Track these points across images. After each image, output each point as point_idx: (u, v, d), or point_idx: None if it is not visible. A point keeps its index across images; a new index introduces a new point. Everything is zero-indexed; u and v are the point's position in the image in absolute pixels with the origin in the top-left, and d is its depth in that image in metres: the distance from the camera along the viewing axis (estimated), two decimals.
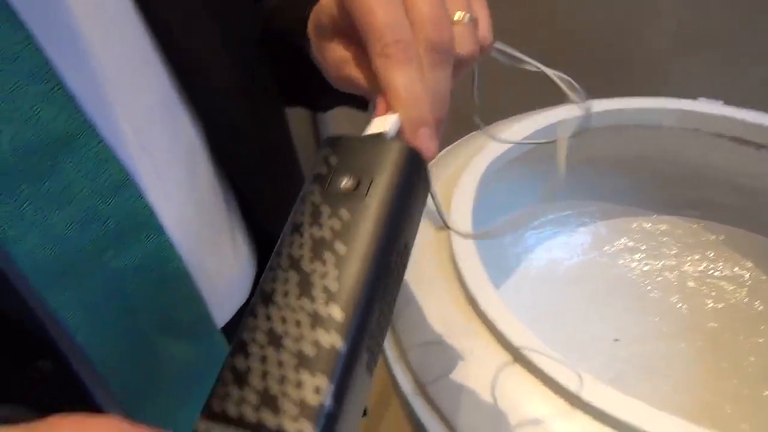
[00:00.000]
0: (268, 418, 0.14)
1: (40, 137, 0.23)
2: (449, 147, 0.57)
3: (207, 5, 0.29)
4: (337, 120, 1.08)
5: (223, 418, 0.15)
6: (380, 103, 0.22)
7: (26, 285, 0.24)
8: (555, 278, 0.60)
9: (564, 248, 0.61)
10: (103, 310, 0.26)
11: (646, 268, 0.60)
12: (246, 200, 0.34)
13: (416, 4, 0.22)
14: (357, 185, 0.18)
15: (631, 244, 0.61)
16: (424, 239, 0.44)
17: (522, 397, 0.34)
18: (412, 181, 0.19)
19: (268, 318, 0.16)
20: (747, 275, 0.57)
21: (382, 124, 0.20)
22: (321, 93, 0.37)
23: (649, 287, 0.59)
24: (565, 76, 0.27)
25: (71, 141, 0.23)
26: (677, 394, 0.52)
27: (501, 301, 0.37)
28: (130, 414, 0.29)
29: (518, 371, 0.35)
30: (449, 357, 0.36)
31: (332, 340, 0.15)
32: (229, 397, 0.15)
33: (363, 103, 0.37)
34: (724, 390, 0.52)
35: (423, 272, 0.42)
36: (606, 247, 0.61)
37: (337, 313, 0.16)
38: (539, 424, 0.33)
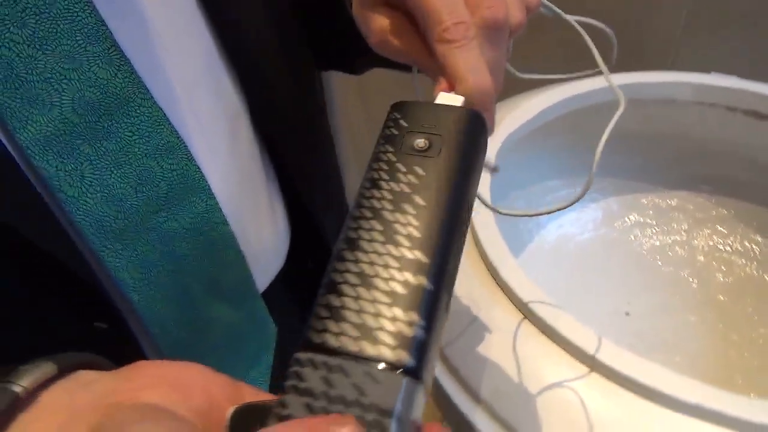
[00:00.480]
0: (368, 348, 0.16)
1: (98, 97, 0.23)
2: None
3: None
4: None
5: (324, 349, 0.16)
6: (442, 82, 0.23)
7: (86, 245, 0.24)
8: (566, 253, 0.60)
9: (575, 224, 0.62)
10: (156, 270, 0.27)
11: (656, 244, 0.60)
12: (284, 169, 0.34)
13: None
14: (429, 146, 0.19)
15: (642, 219, 0.61)
16: None
17: (540, 359, 0.35)
18: (478, 144, 0.20)
19: (357, 261, 0.17)
20: (757, 249, 0.57)
21: (449, 98, 0.22)
22: (358, 54, 0.37)
23: (659, 262, 0.60)
24: (603, 26, 0.27)
25: (127, 102, 0.24)
26: (687, 366, 0.52)
27: (519, 269, 0.38)
28: None
29: (535, 333, 0.35)
30: (468, 321, 0.37)
31: (419, 280, 0.17)
32: (328, 331, 0.16)
33: (399, 65, 0.38)
34: (734, 362, 0.53)
35: None
36: (617, 223, 0.61)
37: (422, 257, 0.17)
38: (558, 386, 0.33)
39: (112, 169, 0.24)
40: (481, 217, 0.42)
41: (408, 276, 0.17)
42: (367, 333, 0.16)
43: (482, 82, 0.21)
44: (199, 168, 0.27)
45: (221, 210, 0.28)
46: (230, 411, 0.18)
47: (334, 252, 0.18)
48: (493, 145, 0.47)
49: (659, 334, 0.55)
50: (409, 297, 0.16)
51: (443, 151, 0.19)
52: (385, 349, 0.16)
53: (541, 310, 0.36)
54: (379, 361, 0.15)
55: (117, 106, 0.23)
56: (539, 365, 0.35)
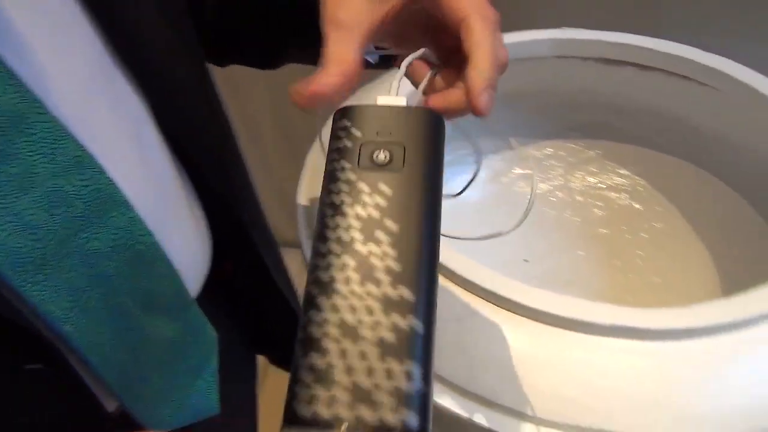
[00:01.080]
0: (367, 414, 0.14)
1: None
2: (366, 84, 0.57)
3: None
4: None
5: (314, 422, 0.14)
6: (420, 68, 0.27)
7: (3, 282, 0.22)
8: (462, 214, 0.63)
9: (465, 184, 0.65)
10: (86, 296, 0.25)
11: (539, 192, 0.65)
12: (195, 168, 0.33)
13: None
14: (390, 158, 0.17)
15: (523, 171, 0.66)
16: None
17: (459, 307, 0.37)
18: (441, 146, 0.19)
19: (335, 309, 0.15)
20: (625, 182, 0.63)
21: (393, 99, 0.20)
22: (285, 46, 0.37)
23: (544, 207, 0.64)
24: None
25: (21, 120, 0.21)
26: (584, 296, 0.57)
27: None
28: (126, 400, 0.28)
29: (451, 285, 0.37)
30: None
31: (409, 322, 0.15)
32: (317, 399, 0.14)
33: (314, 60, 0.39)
34: (621, 284, 0.58)
35: None
36: (502, 178, 0.65)
37: (407, 293, 0.15)
38: (482, 330, 0.36)
39: (18, 194, 0.22)
40: None
41: (396, 318, 0.15)
42: (363, 396, 0.14)
43: (496, 63, 0.26)
44: (112, 181, 0.25)
45: (143, 221, 0.27)
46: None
47: (305, 298, 0.16)
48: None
49: (556, 273, 0.60)
50: (401, 344, 0.15)
51: (407, 162, 0.17)
52: (387, 413, 0.14)
53: (452, 263, 0.38)
54: (382, 428, 0.14)
55: (11, 125, 0.21)
56: (458, 311, 0.37)
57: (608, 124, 0.62)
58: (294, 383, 0.15)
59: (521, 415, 0.34)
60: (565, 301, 0.35)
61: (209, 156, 0.34)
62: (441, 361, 0.36)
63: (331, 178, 0.17)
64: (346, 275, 0.16)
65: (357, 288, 0.15)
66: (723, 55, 0.53)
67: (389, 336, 0.15)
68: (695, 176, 0.58)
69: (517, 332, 0.36)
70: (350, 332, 0.15)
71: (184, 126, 0.31)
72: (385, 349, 0.14)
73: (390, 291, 0.15)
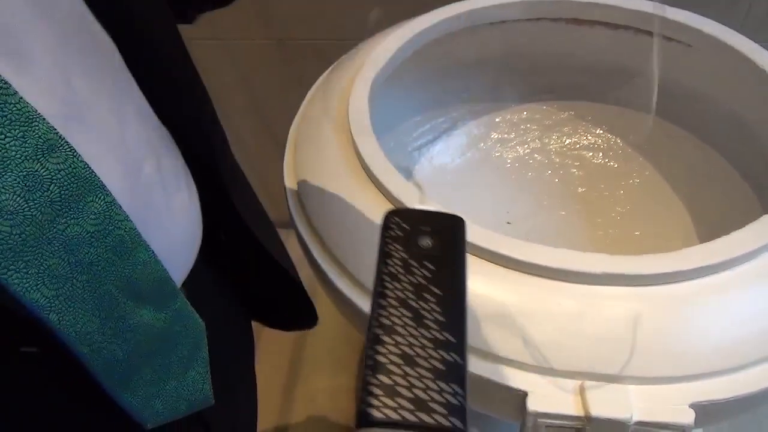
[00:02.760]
0: (426, 417, 0.19)
1: None
2: (333, 66, 0.57)
3: None
4: None
5: (386, 423, 0.19)
6: None
7: None
8: (444, 182, 0.64)
9: (445, 153, 0.66)
10: (70, 284, 0.25)
11: (518, 155, 0.66)
12: (182, 139, 0.33)
13: None
14: (432, 246, 0.24)
15: (500, 135, 0.67)
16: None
17: None
18: (464, 237, 0.25)
19: (397, 344, 0.21)
20: (600, 141, 0.65)
21: (430, 206, 0.26)
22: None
23: (523, 170, 0.66)
24: None
25: None
26: None
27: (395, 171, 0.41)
28: (117, 393, 0.28)
29: None
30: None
31: (453, 357, 0.21)
32: (387, 406, 0.19)
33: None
34: (602, 239, 0.60)
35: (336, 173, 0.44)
36: (481, 144, 0.66)
37: (450, 337, 0.21)
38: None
39: None
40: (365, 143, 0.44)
41: (443, 354, 0.21)
42: (421, 405, 0.19)
43: None
44: (87, 165, 0.25)
45: (121, 206, 0.26)
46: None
47: (369, 336, 0.21)
48: (361, 96, 0.48)
49: (539, 233, 0.61)
50: (448, 372, 0.20)
51: (446, 250, 0.24)
52: (441, 418, 0.19)
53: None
54: (439, 428, 0.19)
55: None
56: None
57: (581, 85, 0.63)
58: (366, 395, 0.20)
59: (518, 364, 0.36)
60: (554, 253, 0.36)
61: (191, 120, 0.33)
62: None
63: (386, 255, 0.24)
64: (404, 321, 0.22)
65: (413, 331, 0.21)
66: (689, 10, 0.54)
67: (439, 365, 0.20)
68: (667, 131, 0.60)
69: (509, 285, 0.37)
70: (410, 361, 0.21)
71: (167, 89, 0.31)
72: (436, 374, 0.20)
73: (438, 335, 0.21)
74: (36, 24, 0.24)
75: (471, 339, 0.36)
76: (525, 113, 0.66)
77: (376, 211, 0.41)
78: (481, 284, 0.37)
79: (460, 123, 0.66)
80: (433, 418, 0.19)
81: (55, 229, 0.24)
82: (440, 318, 0.22)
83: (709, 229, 0.55)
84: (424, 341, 0.21)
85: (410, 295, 0.22)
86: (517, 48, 0.62)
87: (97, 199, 0.25)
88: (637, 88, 0.61)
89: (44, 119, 0.23)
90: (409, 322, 0.22)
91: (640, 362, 0.35)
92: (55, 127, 0.23)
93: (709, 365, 0.35)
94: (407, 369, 0.20)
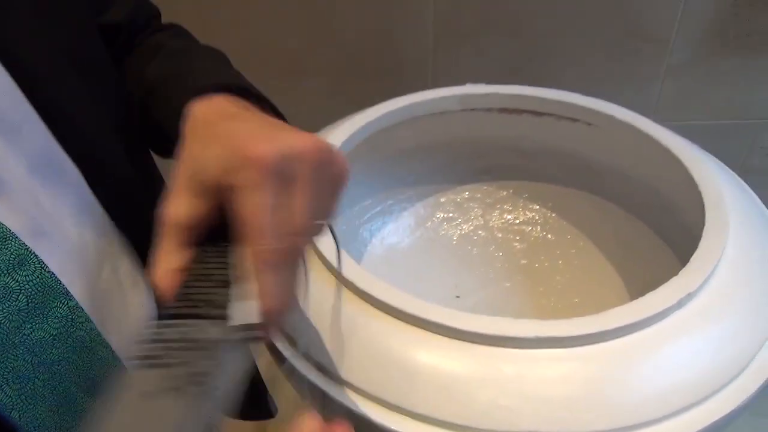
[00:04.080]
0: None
1: None
2: None
3: (72, 61, 0.31)
4: None
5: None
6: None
7: None
8: (395, 260, 0.67)
9: (394, 234, 0.70)
10: (32, 383, 0.26)
11: (463, 232, 0.71)
12: (139, 240, 0.35)
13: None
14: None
15: (446, 215, 0.71)
16: None
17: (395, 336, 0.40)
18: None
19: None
20: (537, 216, 0.70)
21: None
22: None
23: (469, 246, 0.70)
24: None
25: None
26: None
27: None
28: None
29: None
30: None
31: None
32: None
33: None
34: (546, 308, 0.64)
35: None
36: (428, 224, 0.71)
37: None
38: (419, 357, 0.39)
39: None
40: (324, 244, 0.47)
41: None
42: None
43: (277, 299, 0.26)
44: (53, 274, 0.27)
45: (83, 309, 0.28)
46: None
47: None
48: None
49: (487, 304, 0.64)
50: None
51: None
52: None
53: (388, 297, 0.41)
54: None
55: None
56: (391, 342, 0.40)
57: (515, 165, 0.69)
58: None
59: (465, 428, 0.38)
60: (491, 321, 0.39)
61: (150, 228, 0.36)
62: (386, 385, 0.39)
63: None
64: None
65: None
66: (602, 98, 0.61)
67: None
68: (594, 204, 0.66)
69: (454, 354, 0.40)
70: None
71: (125, 204, 0.34)
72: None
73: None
74: (8, 156, 0.27)
75: (419, 406, 0.39)
76: (467, 193, 0.72)
77: (333, 293, 0.44)
78: (428, 354, 0.40)
79: (407, 204, 0.70)
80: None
81: (21, 334, 0.26)
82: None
83: (640, 290, 0.60)
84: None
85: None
86: (456, 134, 0.68)
87: (61, 305, 0.28)
88: (565, 166, 0.67)
89: (16, 237, 0.26)
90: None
91: (577, 418, 0.38)
92: (26, 243, 0.26)
93: (640, 416, 0.38)
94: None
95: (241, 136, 0.26)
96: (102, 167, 0.32)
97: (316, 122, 0.61)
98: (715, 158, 0.56)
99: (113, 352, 0.30)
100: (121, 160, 0.34)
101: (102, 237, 0.32)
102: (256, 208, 0.24)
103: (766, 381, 0.40)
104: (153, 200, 0.38)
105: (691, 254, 0.44)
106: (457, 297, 0.66)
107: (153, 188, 0.38)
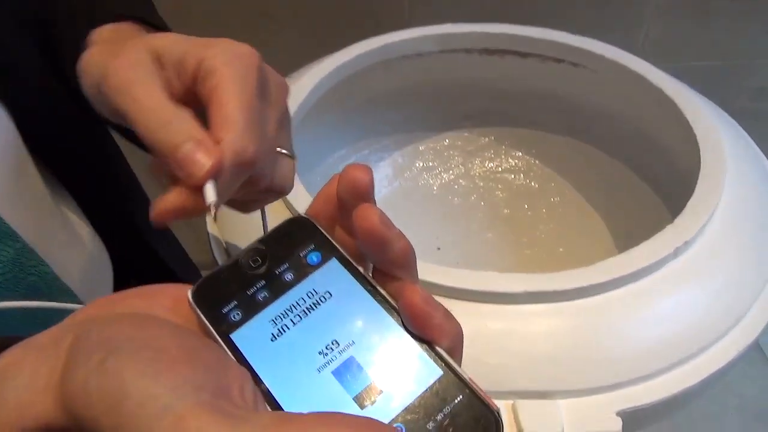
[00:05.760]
0: None
1: None
2: None
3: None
4: None
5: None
6: None
7: None
8: None
9: None
10: None
11: (443, 182, 0.68)
12: (80, 191, 0.32)
13: None
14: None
15: (425, 164, 0.68)
16: None
17: None
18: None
19: None
20: (520, 163, 0.67)
21: None
22: None
23: (449, 196, 0.67)
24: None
25: None
26: None
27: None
28: None
29: None
30: None
31: None
32: None
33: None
34: (529, 259, 0.62)
35: None
36: (406, 173, 0.67)
37: None
38: None
39: None
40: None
41: None
42: None
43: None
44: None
45: (35, 251, 0.26)
46: (190, 292, 0.18)
47: None
48: None
49: (469, 257, 0.62)
50: None
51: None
52: None
53: None
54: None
55: None
56: None
57: (497, 111, 0.65)
58: None
59: None
60: (477, 276, 0.37)
61: (92, 177, 0.33)
62: None
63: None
64: None
65: None
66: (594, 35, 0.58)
67: None
68: (580, 150, 0.63)
69: None
70: None
71: (63, 148, 0.31)
72: None
73: None
74: None
75: None
76: (447, 140, 0.68)
77: None
78: None
79: (385, 154, 0.67)
80: None
81: None
82: None
83: (626, 239, 0.58)
84: None
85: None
86: (434, 79, 0.64)
87: (6, 247, 0.25)
88: (550, 111, 0.64)
89: None
90: None
91: (566, 375, 0.36)
92: None
93: (631, 372, 0.36)
94: None
95: (202, 41, 0.23)
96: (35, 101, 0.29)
97: (285, 67, 0.57)
98: (709, 101, 0.53)
99: (74, 295, 0.28)
100: (54, 101, 0.30)
101: (44, 185, 0.29)
102: (244, 99, 0.22)
103: (763, 329, 0.39)
104: (122, 180, 0.35)
105: (680, 202, 0.42)
106: (438, 249, 0.63)
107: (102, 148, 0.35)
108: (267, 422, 0.13)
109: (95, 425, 0.14)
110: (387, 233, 0.18)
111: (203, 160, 0.21)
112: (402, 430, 0.16)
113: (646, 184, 0.59)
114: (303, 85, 0.52)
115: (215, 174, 0.21)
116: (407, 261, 0.19)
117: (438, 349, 0.18)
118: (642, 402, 0.36)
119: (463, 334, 0.19)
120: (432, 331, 0.18)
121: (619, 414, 0.35)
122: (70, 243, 0.31)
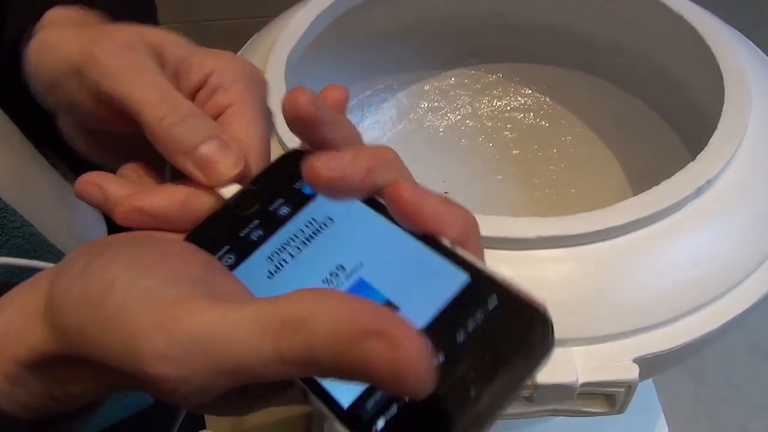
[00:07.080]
0: None
1: None
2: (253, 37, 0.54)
3: None
4: None
5: None
6: None
7: None
8: None
9: (376, 127, 0.64)
10: None
11: (450, 122, 0.65)
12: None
13: None
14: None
15: (430, 104, 0.65)
16: None
17: None
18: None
19: None
20: (530, 101, 0.64)
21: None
22: None
23: (457, 138, 0.64)
24: None
25: None
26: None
27: None
28: None
29: None
30: None
31: None
32: None
33: None
34: (541, 201, 0.60)
35: None
36: (411, 114, 0.65)
37: None
38: None
39: None
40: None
41: None
42: None
43: None
44: None
45: (16, 212, 0.24)
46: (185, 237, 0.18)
47: None
48: (277, 74, 0.46)
49: (478, 199, 0.60)
50: None
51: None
52: None
53: None
54: None
55: None
56: None
57: (505, 45, 0.62)
58: None
59: None
60: (487, 221, 0.35)
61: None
62: None
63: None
64: None
65: None
66: None
67: None
68: (592, 85, 0.60)
69: None
70: None
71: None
72: None
73: None
74: None
75: None
76: (453, 79, 0.65)
77: None
78: None
79: (388, 95, 0.64)
80: None
81: None
82: None
83: (642, 180, 0.56)
84: None
85: None
86: (438, 13, 0.60)
87: None
88: (562, 45, 0.60)
89: None
90: None
91: (581, 322, 0.34)
92: None
93: (649, 318, 0.35)
94: None
95: (202, 49, 0.22)
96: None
97: (275, 6, 0.53)
98: (734, 29, 0.49)
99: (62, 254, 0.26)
100: None
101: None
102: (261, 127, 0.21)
103: None
104: None
105: (700, 140, 0.39)
106: (446, 193, 0.61)
107: None
108: (264, 303, 0.13)
109: (82, 336, 0.13)
110: (317, 113, 0.17)
111: (229, 161, 0.19)
112: (427, 344, 0.14)
113: (662, 119, 0.56)
114: (300, 21, 0.49)
115: (242, 177, 0.20)
116: (355, 140, 0.18)
117: (461, 252, 0.16)
118: (660, 348, 0.34)
119: (475, 221, 0.17)
120: (428, 224, 0.16)
121: (635, 361, 0.34)
122: (60, 204, 0.29)
